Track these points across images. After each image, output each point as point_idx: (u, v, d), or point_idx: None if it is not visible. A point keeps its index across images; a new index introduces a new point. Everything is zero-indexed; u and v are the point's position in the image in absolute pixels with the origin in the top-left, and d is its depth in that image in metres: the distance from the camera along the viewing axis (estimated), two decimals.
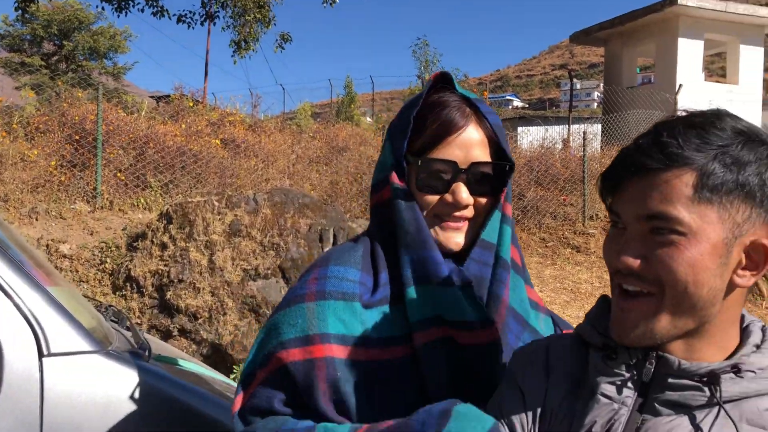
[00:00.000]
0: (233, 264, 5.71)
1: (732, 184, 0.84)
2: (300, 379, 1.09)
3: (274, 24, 14.47)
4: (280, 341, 1.11)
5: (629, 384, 0.91)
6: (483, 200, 1.18)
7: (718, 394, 0.84)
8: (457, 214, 1.17)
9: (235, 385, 2.19)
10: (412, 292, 1.13)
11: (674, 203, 0.84)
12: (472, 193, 1.17)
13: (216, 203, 5.97)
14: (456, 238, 1.18)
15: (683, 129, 0.86)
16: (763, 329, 0.92)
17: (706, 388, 0.85)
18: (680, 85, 12.44)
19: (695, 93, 12.73)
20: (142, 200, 7.62)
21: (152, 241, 5.86)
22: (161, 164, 7.84)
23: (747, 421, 0.83)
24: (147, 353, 1.71)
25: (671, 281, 0.84)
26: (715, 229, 0.84)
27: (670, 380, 0.88)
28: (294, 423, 1.09)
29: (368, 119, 19.79)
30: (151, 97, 15.79)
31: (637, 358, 0.91)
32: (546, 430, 0.97)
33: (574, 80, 14.44)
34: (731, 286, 0.87)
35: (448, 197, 1.16)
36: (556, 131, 15.33)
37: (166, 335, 5.49)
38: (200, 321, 5.48)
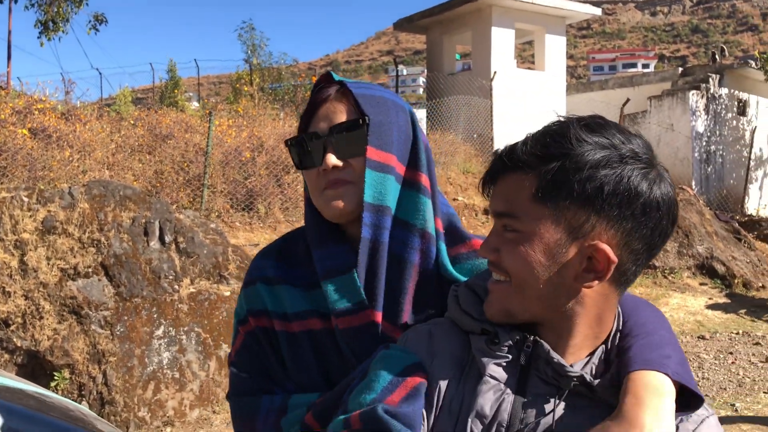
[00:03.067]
0: (49, 264, 5.31)
1: (568, 190, 0.90)
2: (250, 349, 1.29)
3: (86, 4, 13.44)
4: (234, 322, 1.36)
5: (512, 365, 0.97)
6: (358, 161, 1.18)
7: (595, 393, 0.94)
8: (332, 178, 1.18)
9: (54, 394, 2.08)
10: (324, 284, 1.21)
11: (515, 204, 0.94)
12: (343, 156, 1.18)
13: (25, 199, 5.51)
14: (333, 204, 1.19)
15: (536, 137, 0.95)
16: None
17: (582, 386, 0.94)
18: (495, 72, 13.27)
19: (508, 79, 13.65)
20: None
21: None
22: None
23: (600, 399, 0.94)
24: None
25: (511, 271, 0.94)
26: (549, 229, 0.91)
27: (545, 367, 0.95)
28: (268, 402, 1.22)
29: (195, 104, 19.10)
30: None
31: (516, 341, 0.97)
32: (436, 415, 1.00)
33: (401, 66, 14.90)
34: (578, 287, 0.94)
35: (321, 167, 1.19)
36: None
37: None
38: (12, 327, 5.05)
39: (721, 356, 7.20)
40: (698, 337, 8.01)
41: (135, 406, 5.00)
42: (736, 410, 5.59)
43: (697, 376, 6.53)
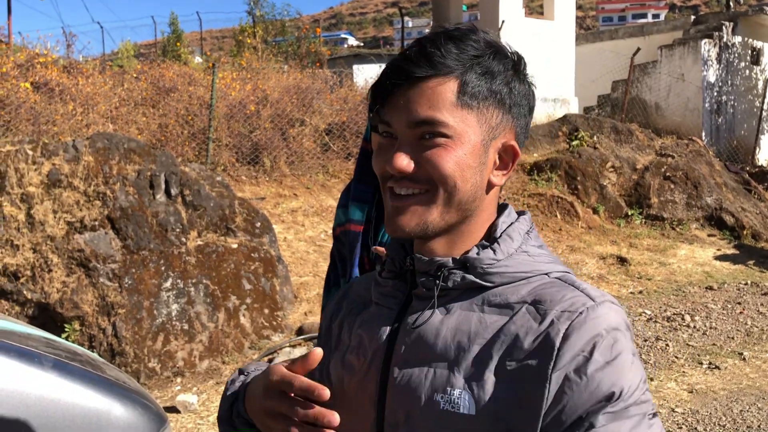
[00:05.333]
0: (55, 217, 5.30)
1: (487, 92, 0.93)
2: None
3: None
4: None
5: (397, 289, 1.01)
6: None
7: (438, 286, 0.95)
8: None
9: (62, 339, 2.07)
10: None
11: (440, 109, 0.91)
12: None
13: (30, 152, 5.47)
14: None
15: (444, 41, 0.93)
16: (508, 224, 1.01)
17: (438, 281, 0.95)
18: (503, 22, 12.99)
19: (516, 29, 13.38)
20: None
21: None
22: None
23: (489, 304, 0.93)
24: None
25: (442, 179, 0.92)
26: (474, 131, 0.93)
27: (419, 277, 0.97)
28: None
29: (198, 59, 18.86)
30: None
31: (400, 264, 1.01)
32: (328, 344, 1.09)
33: (406, 18, 14.60)
34: (489, 185, 0.98)
35: None
36: None
37: None
38: (22, 280, 5.07)
39: (729, 306, 7.20)
40: (706, 288, 8.00)
41: (145, 357, 5.04)
42: (744, 359, 5.60)
43: (705, 326, 6.54)
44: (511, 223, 1.00)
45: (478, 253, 0.95)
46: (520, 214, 1.03)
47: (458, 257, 0.96)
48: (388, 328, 0.98)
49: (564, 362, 0.85)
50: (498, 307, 0.93)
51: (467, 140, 0.93)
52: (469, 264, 0.95)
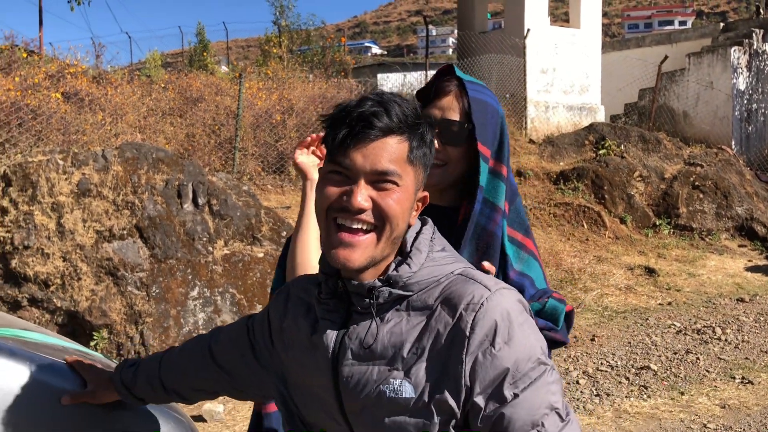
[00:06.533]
0: (85, 226, 5.36)
1: (421, 154, 1.20)
2: None
3: None
4: None
5: (339, 306, 1.22)
6: (453, 150, 1.59)
7: (374, 304, 1.17)
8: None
9: (95, 352, 2.09)
10: None
11: (397, 163, 1.16)
12: (443, 143, 1.57)
13: (60, 162, 5.54)
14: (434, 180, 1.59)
15: (397, 106, 1.16)
16: (414, 236, 1.23)
17: (367, 300, 1.17)
18: (528, 30, 12.93)
19: (542, 37, 13.31)
20: None
21: None
22: None
23: (413, 308, 1.17)
24: None
25: (390, 218, 1.15)
26: (412, 183, 1.19)
27: (353, 297, 1.19)
28: None
29: (224, 68, 19.04)
30: None
31: (334, 287, 1.22)
32: (282, 340, 1.31)
33: (430, 26, 14.61)
34: (409, 224, 1.22)
35: None
36: (414, 77, 15.52)
37: (14, 306, 5.10)
38: (52, 288, 5.13)
39: (762, 319, 7.06)
40: (737, 300, 7.85)
41: None
42: None
43: (737, 339, 6.41)
44: (417, 234, 1.23)
45: (397, 270, 1.18)
46: (422, 222, 1.26)
47: (382, 277, 1.18)
48: (334, 337, 1.20)
49: (473, 348, 1.10)
50: (420, 309, 1.16)
51: (408, 189, 1.17)
52: (392, 281, 1.17)
